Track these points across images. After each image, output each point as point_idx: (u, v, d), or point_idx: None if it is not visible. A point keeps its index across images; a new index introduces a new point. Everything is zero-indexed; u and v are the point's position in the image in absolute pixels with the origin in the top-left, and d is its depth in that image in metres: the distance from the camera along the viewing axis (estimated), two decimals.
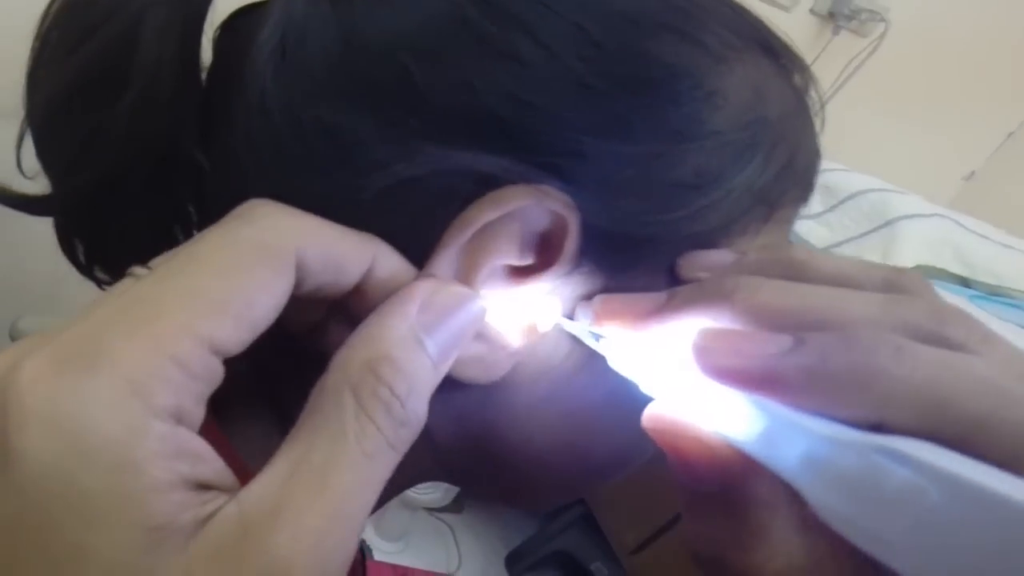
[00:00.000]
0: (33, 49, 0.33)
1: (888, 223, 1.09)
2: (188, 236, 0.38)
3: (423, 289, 0.27)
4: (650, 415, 0.28)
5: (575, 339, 0.32)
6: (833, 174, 1.21)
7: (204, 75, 0.34)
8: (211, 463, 0.22)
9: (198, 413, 0.22)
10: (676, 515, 1.18)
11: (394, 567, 0.89)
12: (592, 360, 0.32)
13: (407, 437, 0.25)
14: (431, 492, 1.49)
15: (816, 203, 1.17)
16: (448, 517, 1.65)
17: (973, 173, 2.16)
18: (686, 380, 0.26)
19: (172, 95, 0.31)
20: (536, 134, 0.29)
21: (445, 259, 0.29)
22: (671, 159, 0.31)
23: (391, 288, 0.28)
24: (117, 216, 0.35)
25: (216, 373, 0.23)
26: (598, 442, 0.37)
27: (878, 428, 0.21)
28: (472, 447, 0.28)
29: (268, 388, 0.36)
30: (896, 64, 1.67)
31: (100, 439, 0.20)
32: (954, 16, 1.78)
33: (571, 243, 0.30)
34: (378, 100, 0.29)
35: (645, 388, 0.28)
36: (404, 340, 0.25)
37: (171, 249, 0.26)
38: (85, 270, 0.38)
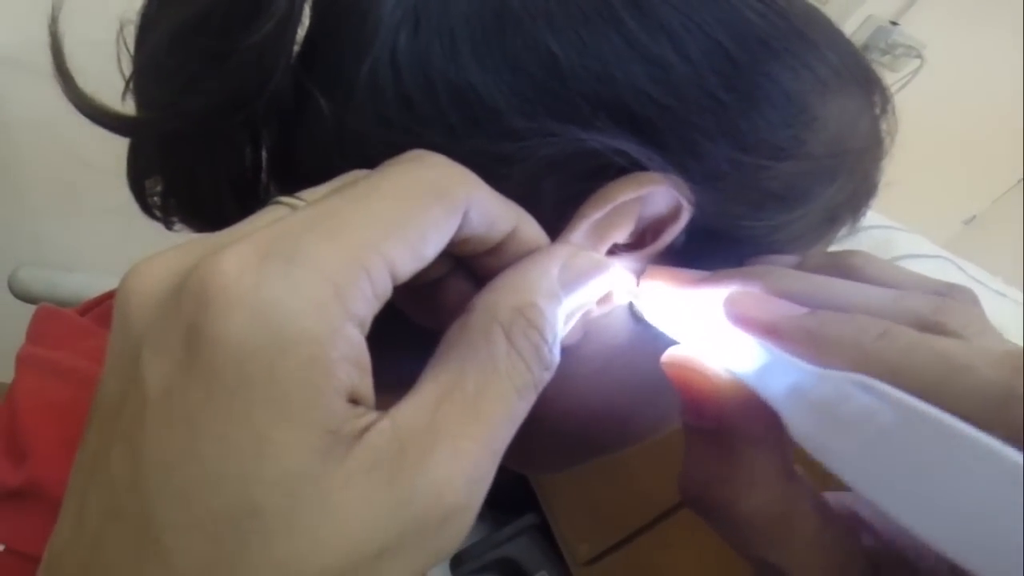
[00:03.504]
0: None
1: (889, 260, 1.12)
2: (255, 196, 0.39)
3: (563, 251, 0.30)
4: (669, 354, 0.32)
5: (639, 315, 0.36)
6: None
7: None
8: (369, 378, 0.23)
9: (368, 330, 0.24)
10: (633, 532, 1.22)
11: None
12: (651, 338, 0.35)
13: (547, 380, 0.27)
14: None
15: None
16: None
17: (974, 217, 2.22)
18: (704, 327, 0.32)
19: (294, 31, 0.33)
20: (662, 131, 0.33)
21: (581, 229, 0.33)
22: (771, 172, 0.36)
23: (526, 252, 0.30)
24: (209, 152, 0.36)
25: (387, 296, 0.24)
26: (636, 413, 0.42)
27: None
28: None
29: None
30: (920, 101, 1.71)
31: (301, 332, 0.21)
32: (987, 58, 1.84)
33: (674, 231, 0.35)
34: (520, 75, 0.33)
35: (670, 334, 0.34)
36: (548, 293, 0.28)
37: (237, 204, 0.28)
38: (147, 208, 0.40)
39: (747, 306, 0.31)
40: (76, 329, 0.48)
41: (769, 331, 0.29)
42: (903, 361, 0.25)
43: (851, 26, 1.79)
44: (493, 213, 0.28)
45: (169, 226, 0.41)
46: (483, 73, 0.33)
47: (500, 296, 0.27)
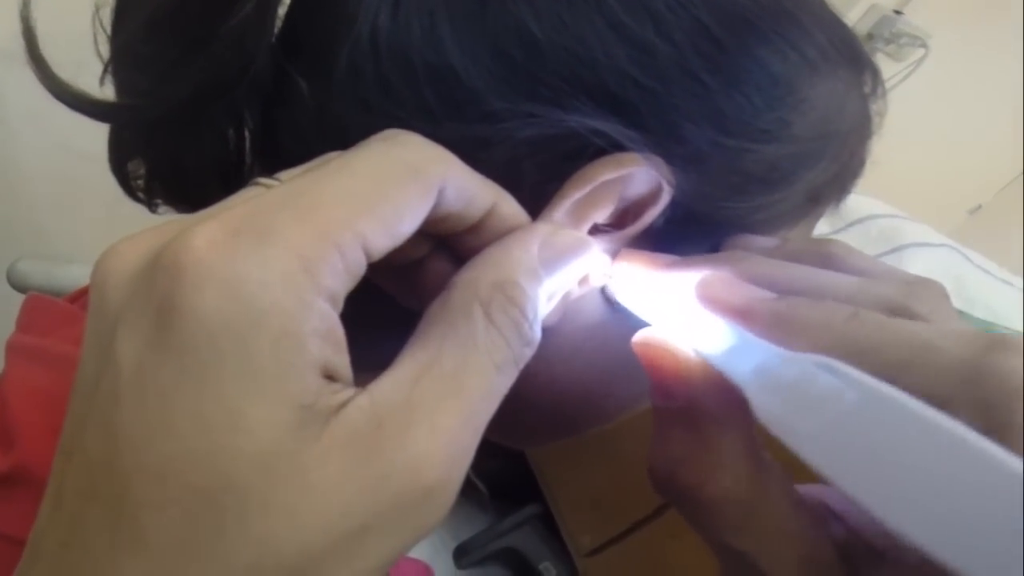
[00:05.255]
0: None
1: (896, 249, 1.11)
2: (240, 178, 0.39)
3: (544, 229, 0.30)
4: (640, 335, 0.32)
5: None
6: None
7: None
8: (344, 355, 0.24)
9: (341, 307, 0.24)
10: (637, 522, 1.22)
11: None
12: (624, 319, 0.35)
13: (527, 357, 0.27)
14: None
15: (823, 224, 1.20)
16: None
17: (980, 206, 2.22)
18: (675, 309, 0.32)
19: (274, 12, 0.33)
20: (645, 113, 0.33)
21: (561, 208, 0.33)
22: (755, 155, 0.35)
23: (506, 231, 0.30)
24: (192, 136, 0.36)
25: (361, 274, 0.24)
26: (611, 390, 0.43)
27: None
28: None
29: None
30: (925, 90, 1.70)
31: (272, 305, 0.21)
32: (992, 47, 1.83)
33: (654, 212, 0.35)
34: (500, 57, 0.32)
35: (641, 316, 0.34)
36: (529, 270, 0.28)
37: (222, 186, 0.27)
38: (130, 191, 0.40)
39: (718, 288, 0.31)
40: (64, 316, 0.49)
41: (739, 313, 0.29)
42: (871, 342, 0.26)
43: (855, 15, 1.77)
44: (470, 191, 0.28)
45: (153, 208, 0.40)
46: (463, 55, 0.32)
47: (480, 273, 0.27)
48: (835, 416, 0.23)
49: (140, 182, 0.40)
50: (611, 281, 0.36)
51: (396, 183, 0.25)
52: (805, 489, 0.33)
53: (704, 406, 0.30)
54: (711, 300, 0.31)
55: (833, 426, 0.23)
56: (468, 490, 1.67)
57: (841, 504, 0.32)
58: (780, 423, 0.25)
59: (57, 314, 0.49)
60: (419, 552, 1.57)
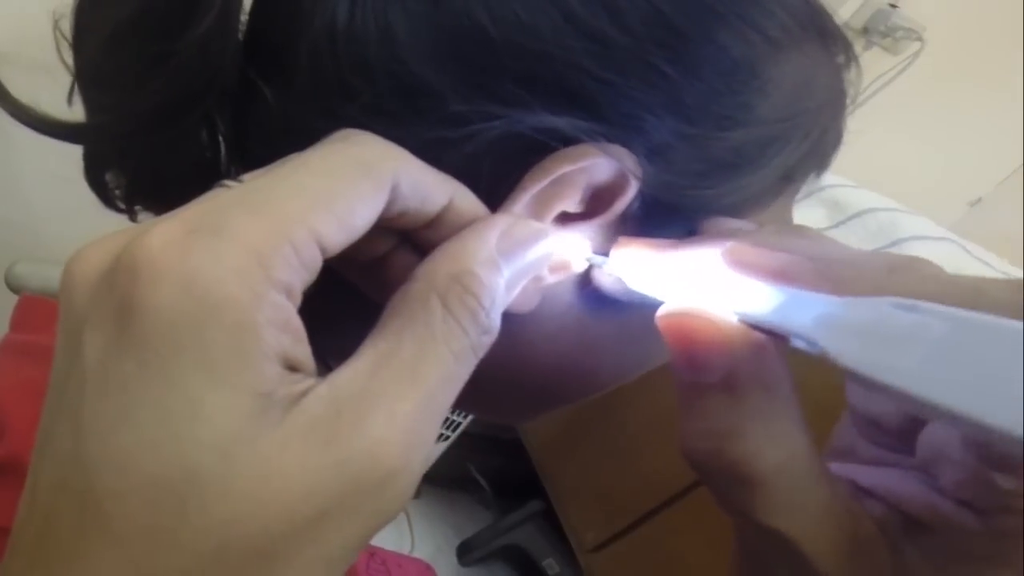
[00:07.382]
0: None
1: (895, 243, 1.11)
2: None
3: (502, 221, 0.31)
4: (664, 310, 0.30)
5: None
6: (842, 190, 1.22)
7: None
8: (304, 345, 0.24)
9: (298, 300, 0.24)
10: (640, 517, 1.22)
11: None
12: (602, 301, 0.37)
13: (487, 345, 0.28)
14: None
15: (822, 218, 1.20)
16: None
17: (980, 199, 2.21)
18: (697, 282, 0.31)
19: (236, 21, 0.33)
20: (603, 106, 0.33)
21: (521, 201, 0.33)
22: (720, 142, 0.35)
23: (465, 224, 0.30)
24: (167, 147, 0.36)
25: (317, 268, 0.25)
26: (594, 367, 0.43)
27: None
28: (481, 365, 0.31)
29: None
30: (922, 84, 1.70)
31: (226, 298, 0.22)
32: (988, 38, 1.82)
33: (623, 201, 0.34)
34: (455, 57, 0.32)
35: (658, 296, 0.32)
36: (486, 261, 0.28)
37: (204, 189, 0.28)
38: (110, 201, 0.40)
39: (749, 253, 0.30)
40: (56, 313, 0.49)
41: (778, 274, 0.29)
42: (917, 292, 0.25)
43: (849, 9, 1.78)
44: (425, 186, 0.29)
45: (133, 217, 0.41)
46: (419, 56, 0.32)
47: (438, 265, 0.28)
48: (929, 347, 0.23)
49: (119, 191, 0.40)
50: (613, 267, 0.35)
51: (348, 179, 0.26)
52: (833, 468, 0.31)
53: (750, 372, 0.28)
54: (744, 264, 0.30)
55: (930, 356, 0.23)
56: (471, 487, 1.67)
57: (872, 479, 0.31)
58: (869, 362, 0.25)
59: (48, 312, 0.50)
60: (422, 550, 1.57)
